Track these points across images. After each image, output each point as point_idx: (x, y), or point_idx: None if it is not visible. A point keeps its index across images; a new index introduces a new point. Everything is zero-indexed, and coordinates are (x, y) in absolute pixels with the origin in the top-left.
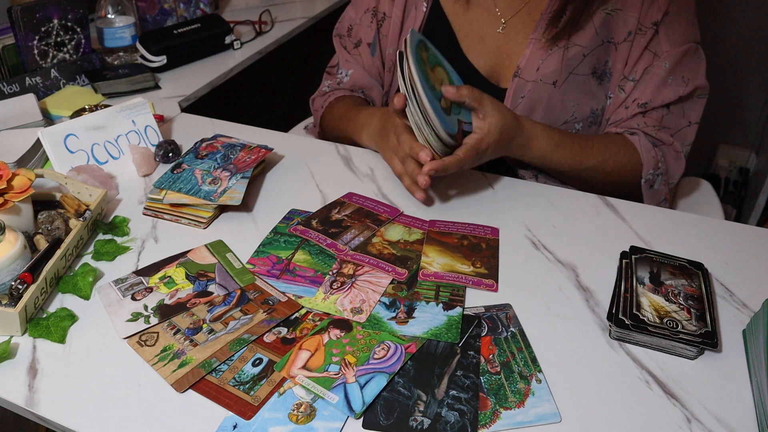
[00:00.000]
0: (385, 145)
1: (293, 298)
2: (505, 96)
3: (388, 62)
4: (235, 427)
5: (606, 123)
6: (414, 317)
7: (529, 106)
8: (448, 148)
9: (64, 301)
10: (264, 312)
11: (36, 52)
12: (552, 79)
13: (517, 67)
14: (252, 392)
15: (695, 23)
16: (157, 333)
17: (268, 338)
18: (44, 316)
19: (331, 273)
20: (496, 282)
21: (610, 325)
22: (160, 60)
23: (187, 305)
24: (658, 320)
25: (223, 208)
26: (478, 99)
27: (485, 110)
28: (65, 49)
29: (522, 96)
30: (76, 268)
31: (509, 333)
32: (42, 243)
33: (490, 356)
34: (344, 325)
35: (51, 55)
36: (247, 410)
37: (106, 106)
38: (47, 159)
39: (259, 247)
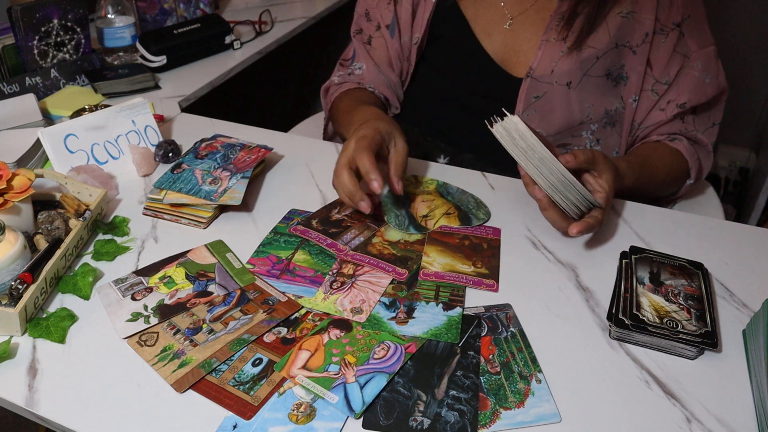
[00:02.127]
0: (348, 145)
1: (293, 298)
2: (519, 88)
3: (404, 50)
4: (235, 427)
5: (638, 126)
6: (414, 317)
7: (548, 108)
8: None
9: (64, 301)
10: (264, 312)
11: (36, 52)
12: (566, 80)
13: (529, 68)
14: (252, 392)
15: (709, 27)
16: (157, 333)
17: (268, 338)
18: (44, 316)
19: (331, 273)
20: (497, 282)
21: (610, 325)
22: (160, 60)
23: (187, 305)
24: (658, 320)
25: (223, 208)
26: (591, 159)
27: (599, 167)
28: (65, 49)
29: (536, 96)
30: (76, 268)
31: (509, 333)
32: (42, 243)
33: (490, 356)
34: (344, 325)
35: (51, 55)
36: (247, 410)
37: (106, 106)
38: (47, 159)
39: (259, 247)
